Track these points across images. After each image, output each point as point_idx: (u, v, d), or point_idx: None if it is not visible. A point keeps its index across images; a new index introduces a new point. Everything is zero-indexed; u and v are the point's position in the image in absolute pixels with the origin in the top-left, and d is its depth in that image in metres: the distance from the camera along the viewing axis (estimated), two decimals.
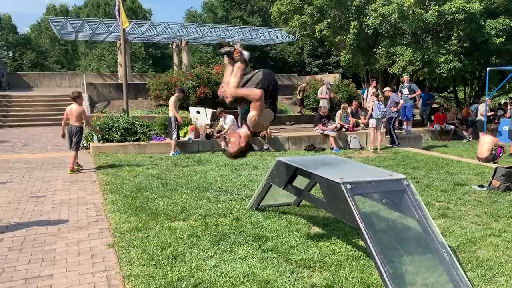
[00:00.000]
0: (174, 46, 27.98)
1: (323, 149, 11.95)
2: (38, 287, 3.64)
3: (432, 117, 17.04)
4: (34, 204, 6.01)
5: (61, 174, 7.94)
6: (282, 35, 26.37)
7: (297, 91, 18.79)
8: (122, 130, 10.51)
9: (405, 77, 14.65)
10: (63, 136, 8.22)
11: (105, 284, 3.69)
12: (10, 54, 49.93)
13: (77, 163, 8.22)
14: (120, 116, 11.47)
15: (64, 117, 8.14)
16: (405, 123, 14.11)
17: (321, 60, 36.41)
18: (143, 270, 3.86)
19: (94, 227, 5.08)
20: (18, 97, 18.59)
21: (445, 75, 15.25)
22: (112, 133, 10.44)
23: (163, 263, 4.02)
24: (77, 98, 8.10)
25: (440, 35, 15.61)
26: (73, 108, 8.04)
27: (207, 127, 12.01)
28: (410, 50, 14.77)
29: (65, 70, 46.54)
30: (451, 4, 14.24)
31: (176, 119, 10.22)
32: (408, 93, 14.11)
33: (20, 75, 27.84)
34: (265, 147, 11.60)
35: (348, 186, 3.82)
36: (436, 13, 14.36)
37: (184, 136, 11.27)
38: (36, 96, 19.42)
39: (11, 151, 10.66)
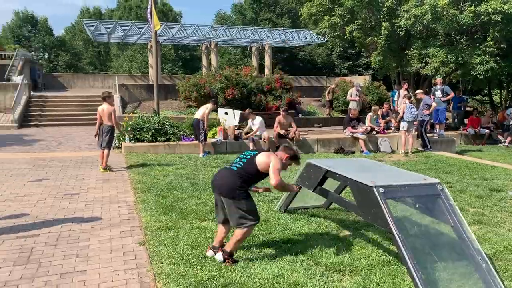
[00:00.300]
0: (203, 48, 28.30)
1: (353, 152, 11.80)
2: (73, 282, 3.74)
3: (466, 120, 16.59)
4: (69, 201, 6.18)
5: (94, 172, 8.15)
6: (311, 37, 26.25)
7: (326, 93, 18.65)
8: (153, 131, 10.69)
9: (438, 80, 14.32)
10: (96, 135, 8.46)
11: (136, 281, 3.75)
12: (46, 55, 51.63)
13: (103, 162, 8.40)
14: (151, 116, 11.67)
15: (98, 118, 8.36)
16: (437, 126, 13.78)
17: (350, 62, 36.03)
18: (174, 269, 3.90)
19: (126, 225, 5.18)
20: (53, 97, 19.19)
21: (481, 76, 14.80)
22: (143, 133, 10.63)
23: (193, 262, 4.05)
24: (107, 98, 8.33)
25: (475, 36, 15.17)
26: (104, 108, 8.26)
27: (235, 128, 12.06)
28: (444, 52, 14.42)
29: (98, 72, 47.73)
30: (487, 5, 13.83)
31: (204, 123, 10.24)
32: (441, 95, 13.77)
33: (55, 76, 28.77)
34: None
35: (381, 190, 3.76)
36: (472, 14, 13.97)
37: (213, 137, 11.36)
38: (70, 97, 20.01)
39: (47, 149, 11.00)
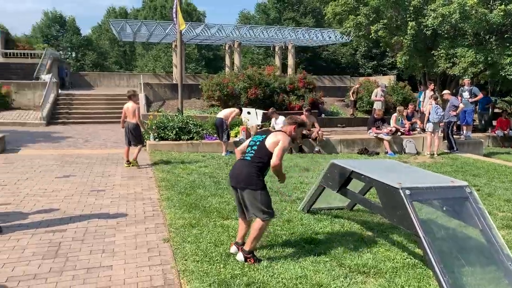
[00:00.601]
0: (226, 48, 28.42)
1: (377, 153, 11.65)
2: (99, 276, 3.81)
3: (494, 122, 16.18)
4: (95, 197, 6.30)
5: (120, 169, 8.28)
6: (335, 36, 26.06)
7: (350, 92, 18.48)
8: (177, 129, 10.81)
9: (466, 80, 14.00)
10: (123, 127, 8.68)
11: (161, 277, 3.80)
12: (73, 55, 52.82)
13: (128, 160, 8.55)
14: (175, 115, 11.79)
15: (123, 115, 8.61)
16: (464, 128, 13.47)
17: (375, 62, 35.62)
18: (197, 266, 3.93)
19: (150, 221, 5.25)
20: (80, 96, 19.59)
21: (511, 77, 14.40)
22: (167, 132, 10.76)
23: (217, 260, 4.07)
24: (132, 96, 8.56)
25: (506, 36, 14.77)
26: (129, 106, 8.48)
27: (258, 127, 12.07)
28: (472, 52, 14.08)
29: (123, 71, 48.53)
30: None
31: (227, 123, 10.33)
32: (468, 96, 13.47)
33: (82, 74, 29.43)
34: (316, 149, 11.49)
35: (407, 192, 3.70)
36: (502, 13, 13.60)
37: (235, 136, 11.40)
38: (96, 95, 20.39)
39: (74, 146, 11.26)
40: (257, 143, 4.14)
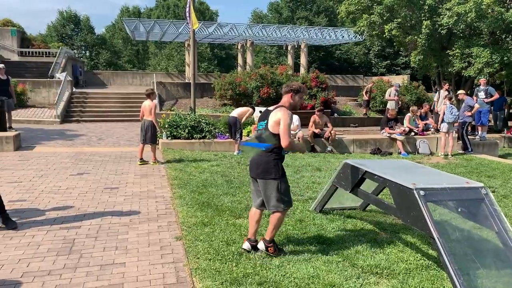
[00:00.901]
0: (239, 47, 28.45)
1: (390, 154, 11.56)
2: (112, 273, 3.84)
3: (510, 123, 15.94)
4: (108, 195, 6.36)
5: (133, 167, 8.34)
6: (349, 35, 25.91)
7: (364, 92, 18.36)
8: (189, 128, 10.85)
9: (482, 80, 13.81)
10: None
11: (173, 275, 3.82)
12: (87, 53, 53.38)
13: (141, 158, 8.61)
14: (188, 114, 11.84)
15: (141, 113, 8.69)
16: (479, 128, 13.29)
17: (388, 61, 35.38)
18: (210, 265, 3.94)
19: (163, 219, 5.28)
20: (94, 94, 19.79)
21: None
22: (179, 131, 10.81)
23: (229, 258, 4.08)
24: (150, 94, 8.65)
25: None
26: (146, 104, 8.56)
27: None
28: (488, 51, 13.88)
29: (136, 69, 48.91)
30: None
31: (240, 123, 10.39)
32: (484, 96, 13.28)
33: (96, 73, 29.70)
34: (328, 149, 11.44)
35: (421, 193, 3.67)
36: None
37: (248, 135, 11.40)
38: (110, 93, 20.58)
39: (87, 144, 11.37)
40: (263, 131, 4.14)
